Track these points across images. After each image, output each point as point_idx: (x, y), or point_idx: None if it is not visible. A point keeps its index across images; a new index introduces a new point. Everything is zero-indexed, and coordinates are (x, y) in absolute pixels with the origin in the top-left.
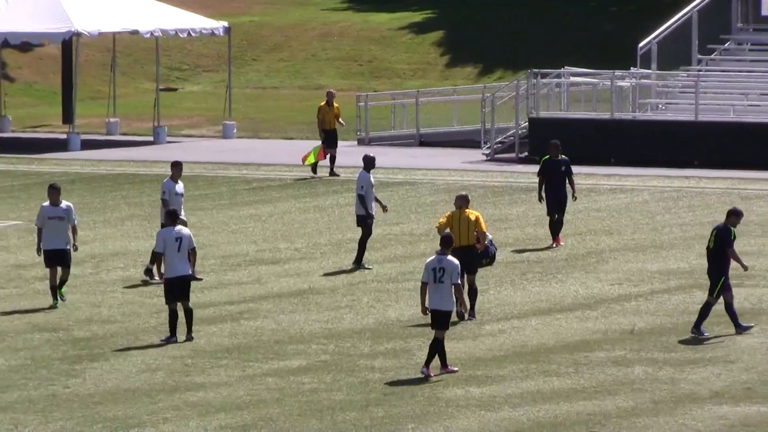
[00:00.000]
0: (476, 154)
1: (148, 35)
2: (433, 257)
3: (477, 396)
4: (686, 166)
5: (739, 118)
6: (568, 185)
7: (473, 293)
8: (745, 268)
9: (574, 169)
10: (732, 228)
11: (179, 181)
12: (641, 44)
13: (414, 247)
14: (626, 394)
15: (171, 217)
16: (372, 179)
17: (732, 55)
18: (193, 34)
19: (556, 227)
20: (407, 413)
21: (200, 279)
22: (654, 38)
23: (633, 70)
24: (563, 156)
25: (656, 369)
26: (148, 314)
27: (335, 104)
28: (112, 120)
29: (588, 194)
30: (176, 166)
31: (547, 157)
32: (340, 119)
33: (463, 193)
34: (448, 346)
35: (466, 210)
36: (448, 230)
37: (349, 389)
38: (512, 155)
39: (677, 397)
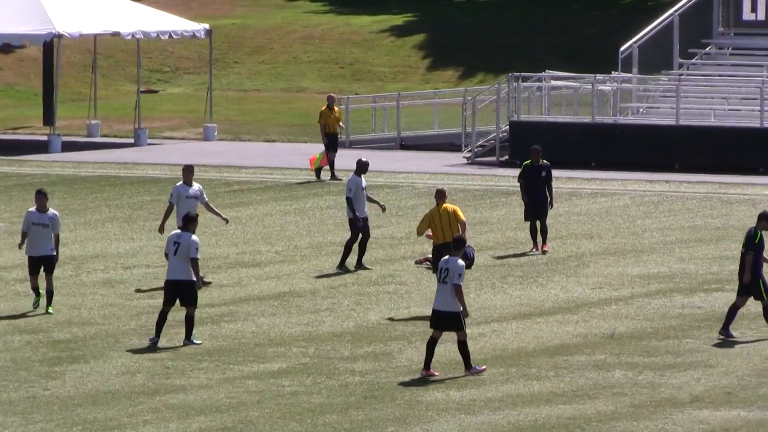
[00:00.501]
0: (457, 158)
1: (129, 37)
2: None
3: (457, 399)
4: (667, 171)
5: (720, 122)
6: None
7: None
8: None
9: (555, 173)
10: (759, 232)
11: (194, 184)
12: (622, 48)
13: (394, 251)
14: (606, 398)
15: (187, 222)
16: (364, 182)
17: (713, 59)
18: (174, 36)
19: (542, 234)
20: (387, 416)
21: (208, 283)
22: (635, 42)
23: (614, 74)
24: (545, 161)
25: (636, 373)
26: (128, 316)
27: (336, 108)
28: (93, 122)
29: (569, 198)
30: (187, 169)
31: (528, 162)
32: (341, 122)
33: (441, 187)
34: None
35: (444, 205)
36: (461, 235)
37: (329, 392)
38: (493, 159)
39: (657, 402)
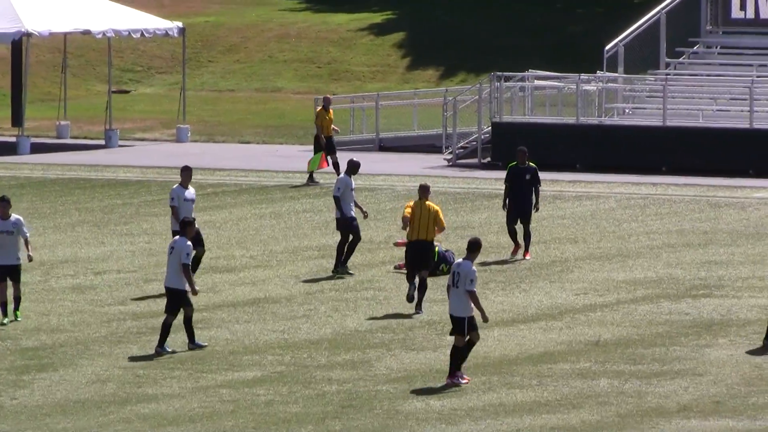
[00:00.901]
0: (438, 160)
1: (100, 36)
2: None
3: (437, 409)
4: (654, 173)
5: (708, 123)
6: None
7: (423, 288)
8: None
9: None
10: None
11: (189, 187)
12: (608, 47)
13: (373, 255)
14: (591, 407)
15: (183, 226)
16: (353, 183)
17: (701, 58)
18: (146, 35)
19: (525, 240)
20: (365, 427)
21: (195, 291)
22: (621, 41)
23: (599, 73)
24: (531, 163)
25: (622, 382)
26: (98, 323)
27: (331, 110)
28: (62, 123)
29: (553, 201)
30: (186, 171)
31: (513, 163)
32: (334, 126)
33: (424, 182)
34: (407, 356)
35: (428, 202)
36: (477, 238)
37: (305, 401)
38: (475, 161)
39: (644, 411)
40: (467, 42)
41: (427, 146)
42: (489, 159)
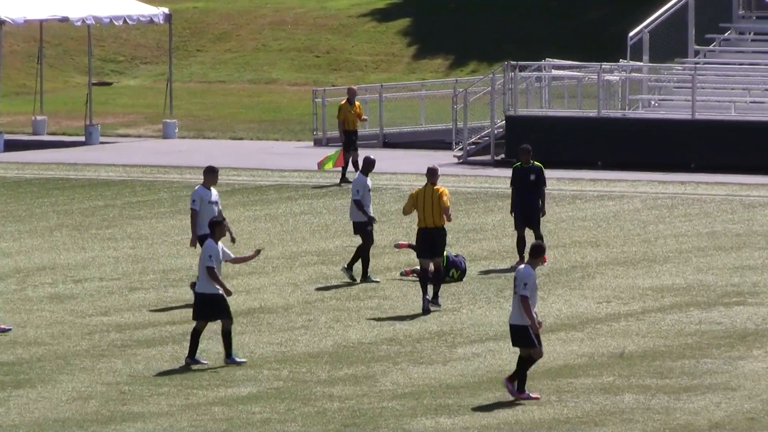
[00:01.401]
0: (447, 157)
1: (79, 23)
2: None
3: (448, 427)
4: (682, 170)
5: (741, 116)
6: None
7: (438, 276)
8: None
9: (557, 173)
10: None
11: (212, 189)
12: (631, 34)
13: (377, 261)
14: (615, 424)
15: (211, 227)
16: (369, 183)
17: (733, 45)
18: (129, 22)
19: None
20: None
21: (229, 291)
22: (646, 27)
23: (622, 62)
24: (536, 162)
25: (648, 397)
26: (79, 335)
27: (357, 103)
28: (38, 118)
29: (573, 201)
30: (211, 172)
31: (517, 163)
32: (363, 117)
33: (432, 165)
34: (415, 370)
35: (436, 186)
36: (540, 242)
37: (304, 420)
38: (487, 158)
39: (672, 429)
40: (478, 29)
41: (436, 142)
42: (503, 156)
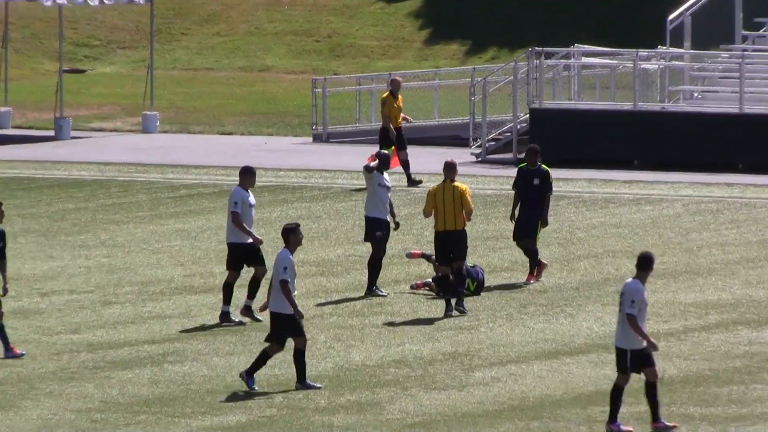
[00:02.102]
0: (463, 154)
1: (49, 3)
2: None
3: None
4: (729, 171)
5: None
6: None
7: (460, 279)
8: None
9: (587, 174)
10: None
11: (249, 191)
12: (671, 17)
13: (384, 272)
14: None
15: (285, 234)
16: (388, 180)
17: None
18: (106, 2)
19: (529, 258)
20: None
21: (300, 314)
22: (687, 10)
23: (661, 49)
24: (542, 165)
25: (692, 428)
26: (46, 356)
27: (400, 96)
28: (2, 109)
29: (605, 206)
30: (248, 173)
31: (523, 164)
32: (404, 115)
33: (450, 159)
34: (427, 397)
35: (455, 183)
36: (648, 253)
37: None
38: (509, 156)
39: None
40: (500, 10)
41: (451, 138)
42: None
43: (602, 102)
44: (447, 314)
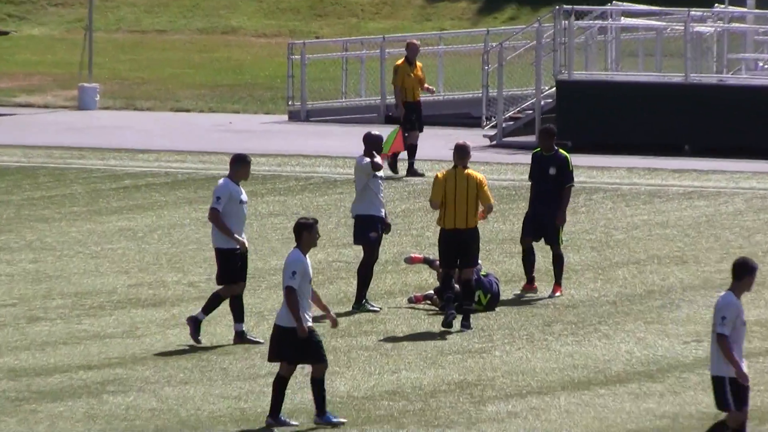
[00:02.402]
0: (475, 137)
1: None
2: None
3: None
4: None
5: None
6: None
7: (468, 291)
8: None
9: (626, 161)
10: None
11: (240, 186)
12: None
13: (377, 281)
14: None
15: (298, 230)
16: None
17: None
18: None
19: (554, 266)
20: None
21: (303, 329)
22: None
23: (718, 8)
24: (560, 150)
25: None
26: None
27: (419, 63)
28: None
29: (649, 200)
30: (241, 162)
31: (537, 150)
32: (428, 85)
33: (462, 142)
34: None
35: (467, 171)
36: (746, 258)
37: None
38: (530, 139)
39: None
40: None
41: (459, 117)
42: None
43: (646, 73)
44: (445, 324)
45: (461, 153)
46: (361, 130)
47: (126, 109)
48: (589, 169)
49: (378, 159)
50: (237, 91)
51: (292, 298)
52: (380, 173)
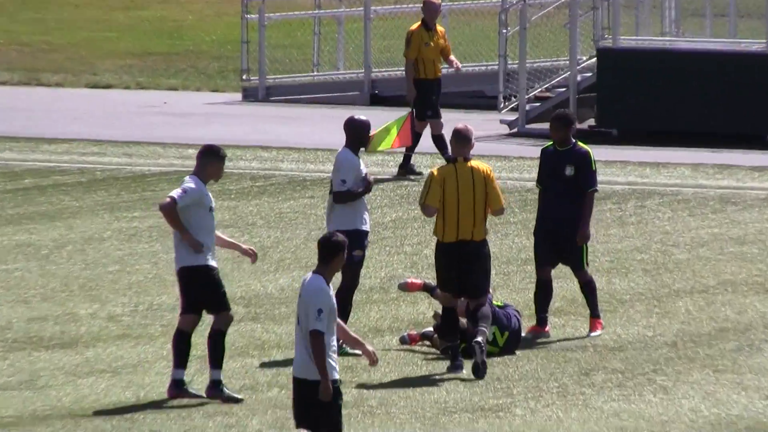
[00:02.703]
0: (490, 122)
1: None
2: None
3: None
4: None
5: None
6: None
7: (481, 318)
8: None
9: (686, 155)
10: None
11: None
12: None
13: (362, 312)
14: None
15: (324, 251)
16: (363, 167)
17: None
18: None
19: (585, 295)
20: None
21: (328, 388)
22: None
23: None
24: (581, 144)
25: None
26: None
27: (440, 28)
28: None
29: (721, 208)
30: (214, 156)
31: (549, 144)
32: (453, 58)
33: (463, 125)
34: None
35: (469, 163)
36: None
37: None
38: None
39: None
40: None
41: (469, 96)
42: (592, 121)
43: (714, 39)
44: (453, 369)
45: (460, 140)
46: (339, 114)
47: (28, 85)
48: (640, 166)
49: (370, 177)
50: (174, 62)
51: (319, 345)
52: (364, 169)
